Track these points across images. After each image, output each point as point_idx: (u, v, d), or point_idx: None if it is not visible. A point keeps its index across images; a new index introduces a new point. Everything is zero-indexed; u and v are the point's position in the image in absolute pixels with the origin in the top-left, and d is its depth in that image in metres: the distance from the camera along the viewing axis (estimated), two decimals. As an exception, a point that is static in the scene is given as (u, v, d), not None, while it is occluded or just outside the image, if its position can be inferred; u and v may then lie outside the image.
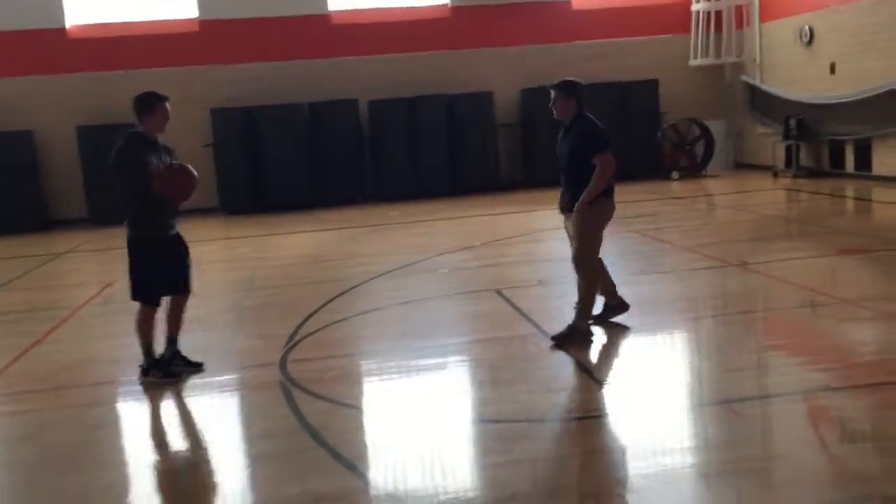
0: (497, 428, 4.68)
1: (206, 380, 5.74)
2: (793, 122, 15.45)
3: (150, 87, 5.94)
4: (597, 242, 6.03)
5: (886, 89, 13.32)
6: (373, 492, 4.00)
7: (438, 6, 17.29)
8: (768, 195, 14.15)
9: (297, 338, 6.59)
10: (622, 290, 6.62)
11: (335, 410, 5.04)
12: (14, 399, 5.71)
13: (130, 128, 5.72)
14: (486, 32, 17.19)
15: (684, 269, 8.53)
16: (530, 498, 3.80)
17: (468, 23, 17.14)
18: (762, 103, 16.93)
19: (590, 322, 6.19)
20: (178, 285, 5.74)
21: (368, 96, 16.51)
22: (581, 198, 5.86)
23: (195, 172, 5.58)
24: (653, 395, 5.01)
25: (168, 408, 5.45)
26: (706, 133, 17.09)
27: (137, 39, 16.19)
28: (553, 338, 6.01)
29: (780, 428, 4.62)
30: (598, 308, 6.30)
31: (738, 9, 17.21)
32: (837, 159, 15.02)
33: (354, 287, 8.42)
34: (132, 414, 5.47)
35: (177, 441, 5.03)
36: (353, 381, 5.78)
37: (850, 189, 13.80)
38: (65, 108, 15.91)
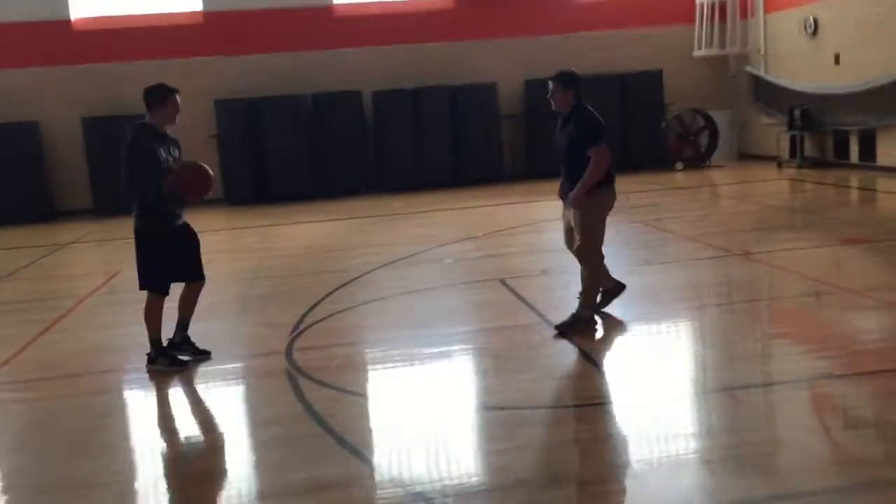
0: (501, 415, 4.72)
1: (213, 368, 5.79)
2: (797, 112, 15.43)
3: (154, 79, 5.98)
4: (600, 232, 6.05)
5: (891, 80, 13.30)
6: (378, 477, 4.04)
7: (442, -3, 17.29)
8: (772, 185, 14.15)
9: (303, 327, 6.63)
10: (627, 280, 6.65)
11: (340, 398, 5.08)
12: (23, 387, 5.76)
13: (136, 119, 5.75)
14: (490, 23, 17.18)
15: (688, 258, 8.55)
16: (534, 484, 3.84)
17: (472, 14, 17.12)
18: (766, 94, 16.91)
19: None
20: (188, 273, 5.77)
21: (372, 88, 16.52)
22: (575, 189, 5.89)
23: (210, 172, 5.63)
24: (656, 383, 5.05)
25: (175, 395, 5.49)
26: (710, 124, 17.08)
27: (142, 31, 16.21)
28: (557, 327, 6.05)
29: (783, 415, 4.65)
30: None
31: (743, -1, 17.19)
32: (842, 150, 15.01)
33: (358, 277, 8.46)
34: (139, 401, 5.52)
35: (184, 428, 5.07)
36: (358, 370, 5.82)
37: (854, 179, 13.81)
38: (70, 99, 15.96)
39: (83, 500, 3.98)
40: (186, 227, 5.79)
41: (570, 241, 6.25)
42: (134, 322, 6.30)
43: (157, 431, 4.98)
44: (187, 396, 5.51)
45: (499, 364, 5.61)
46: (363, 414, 5.00)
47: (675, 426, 4.39)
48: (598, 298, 6.37)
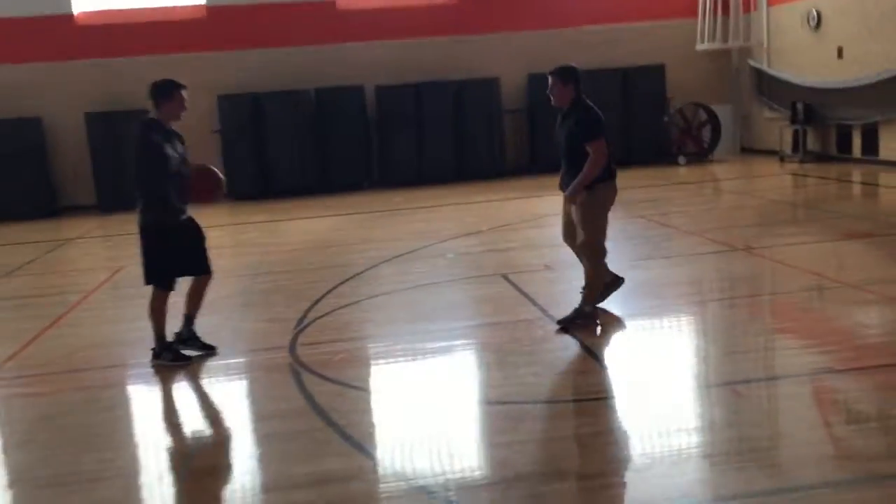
0: (503, 409, 4.75)
1: (217, 362, 5.82)
2: (800, 106, 15.42)
3: (157, 74, 5.99)
4: (602, 227, 6.06)
5: (894, 74, 13.28)
6: (381, 471, 4.07)
7: (444, -9, 17.28)
8: (775, 180, 14.15)
9: (306, 322, 6.67)
10: (628, 275, 6.68)
11: (344, 392, 5.11)
12: (29, 381, 5.80)
13: (139, 114, 5.77)
14: (493, 18, 17.16)
15: (690, 253, 8.57)
16: (536, 477, 3.87)
17: (474, 8, 17.11)
18: (769, 88, 16.89)
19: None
20: (194, 267, 5.80)
21: (374, 82, 16.53)
22: (573, 185, 5.91)
23: (220, 176, 5.66)
24: (657, 378, 5.07)
25: (179, 390, 5.53)
26: (713, 118, 17.07)
27: (145, 26, 16.22)
28: (559, 321, 6.07)
29: (784, 409, 4.67)
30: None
31: (746, -7, 17.16)
32: (844, 144, 15.00)
33: (361, 272, 8.49)
34: (144, 396, 5.55)
35: (188, 422, 5.11)
36: (361, 364, 5.85)
37: (857, 174, 13.80)
38: (73, 94, 15.98)
39: (89, 494, 4.02)
40: (191, 221, 5.82)
41: (567, 235, 6.27)
42: (138, 317, 6.33)
43: (161, 426, 5.02)
44: (191, 391, 5.55)
45: (501, 358, 5.64)
46: (366, 408, 5.03)
47: (676, 421, 4.41)
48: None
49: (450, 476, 3.92)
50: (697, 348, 5.83)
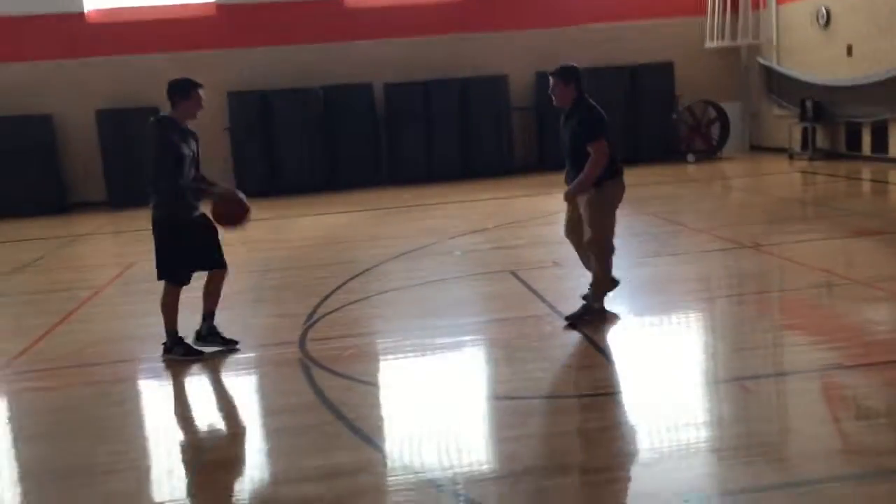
0: (511, 404, 4.78)
1: (228, 357, 5.86)
2: (809, 104, 15.38)
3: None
4: (610, 225, 6.06)
5: (904, 71, 13.25)
6: (390, 464, 4.10)
7: (453, -11, 17.29)
8: (784, 178, 14.12)
9: (316, 317, 6.71)
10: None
11: (353, 387, 5.15)
12: (41, 375, 5.85)
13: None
14: (501, 16, 17.17)
15: (698, 250, 8.57)
16: (543, 471, 3.90)
17: (483, 6, 17.11)
18: (778, 85, 16.85)
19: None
20: (208, 262, 5.82)
21: (383, 80, 16.56)
22: (573, 185, 5.93)
23: (245, 204, 5.73)
24: (665, 373, 5.09)
25: (190, 384, 5.58)
26: (722, 115, 17.03)
27: (155, 24, 16.29)
28: (567, 317, 6.09)
29: (792, 405, 4.69)
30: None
31: (755, -10, 17.12)
32: (854, 142, 14.95)
33: (370, 269, 8.52)
34: (155, 390, 5.60)
35: (199, 416, 5.15)
36: (370, 359, 5.89)
37: (866, 171, 13.76)
38: (84, 92, 16.07)
39: (102, 486, 4.06)
40: (204, 217, 5.85)
41: (570, 231, 6.28)
42: (149, 312, 6.39)
43: (172, 420, 5.06)
44: (202, 386, 5.59)
45: (509, 354, 5.66)
46: (375, 403, 5.06)
47: (683, 416, 4.43)
48: (587, 292, 6.39)
49: (458, 469, 3.95)
50: (705, 344, 5.84)
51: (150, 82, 15.60)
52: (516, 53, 17.10)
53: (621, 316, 6.26)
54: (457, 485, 3.79)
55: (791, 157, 15.82)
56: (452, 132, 16.61)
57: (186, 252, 5.71)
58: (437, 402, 4.87)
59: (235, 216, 5.75)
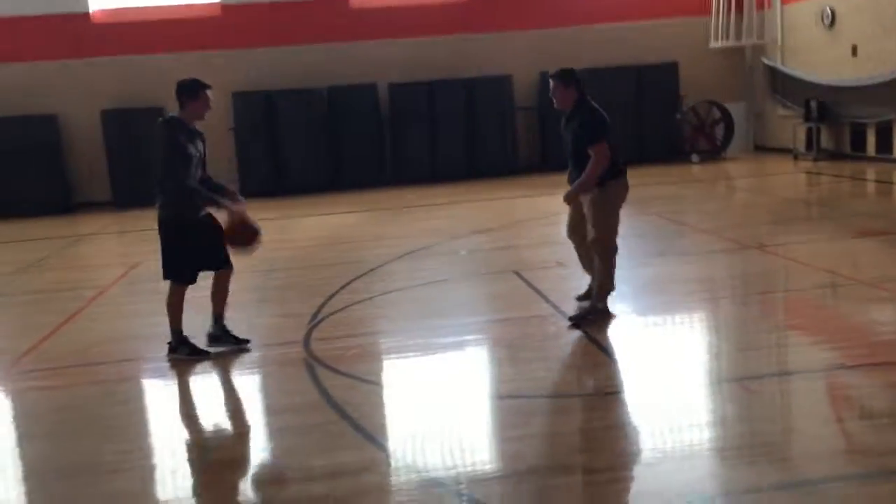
0: (514, 403, 4.79)
1: (232, 356, 5.88)
2: (814, 104, 15.36)
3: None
4: (613, 225, 6.07)
5: (909, 71, 13.23)
6: (393, 464, 4.12)
7: (457, -11, 17.31)
8: (788, 178, 14.11)
9: (320, 317, 6.73)
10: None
11: (357, 386, 5.16)
12: (46, 374, 5.88)
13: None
14: (505, 16, 17.18)
15: (702, 251, 8.57)
16: (547, 471, 3.91)
17: (487, 6, 17.13)
18: (783, 85, 16.83)
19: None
20: (213, 262, 5.84)
21: (387, 80, 16.58)
22: (572, 187, 5.95)
23: (258, 232, 5.79)
24: (668, 373, 5.10)
25: (195, 383, 5.60)
26: (726, 116, 17.02)
27: (160, 24, 16.33)
28: (571, 318, 6.10)
29: (795, 405, 4.69)
30: (565, 291, 6.40)
31: (760, -10, 17.10)
32: (859, 142, 14.93)
33: (374, 268, 8.54)
34: (160, 389, 5.62)
35: (204, 415, 5.17)
36: (374, 359, 5.90)
37: (871, 172, 13.73)
38: (89, 92, 16.11)
39: (107, 485, 4.08)
40: (210, 217, 5.87)
41: (573, 232, 6.29)
42: (154, 312, 6.41)
43: (178, 419, 5.08)
44: (207, 385, 5.61)
45: (513, 354, 5.68)
46: (379, 402, 5.08)
47: (687, 416, 4.44)
48: (584, 291, 6.41)
49: (461, 469, 3.96)
50: (709, 344, 5.84)
51: (155, 82, 15.68)
52: (520, 54, 17.11)
53: (625, 316, 6.28)
54: (460, 484, 3.80)
55: (795, 157, 15.81)
56: (456, 132, 16.63)
57: (192, 252, 5.73)
58: (440, 401, 4.88)
59: (246, 238, 5.76)
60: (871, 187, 13.06)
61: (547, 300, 6.82)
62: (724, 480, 3.76)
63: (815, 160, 15.24)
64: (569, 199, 6.04)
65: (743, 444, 4.05)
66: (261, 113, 16.13)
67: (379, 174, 16.73)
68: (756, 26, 17.11)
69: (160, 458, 4.48)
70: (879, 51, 13.96)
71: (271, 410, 5.08)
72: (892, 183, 12.81)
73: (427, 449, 4.21)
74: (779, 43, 16.96)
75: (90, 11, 16.30)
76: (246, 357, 5.88)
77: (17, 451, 4.73)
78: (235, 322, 6.56)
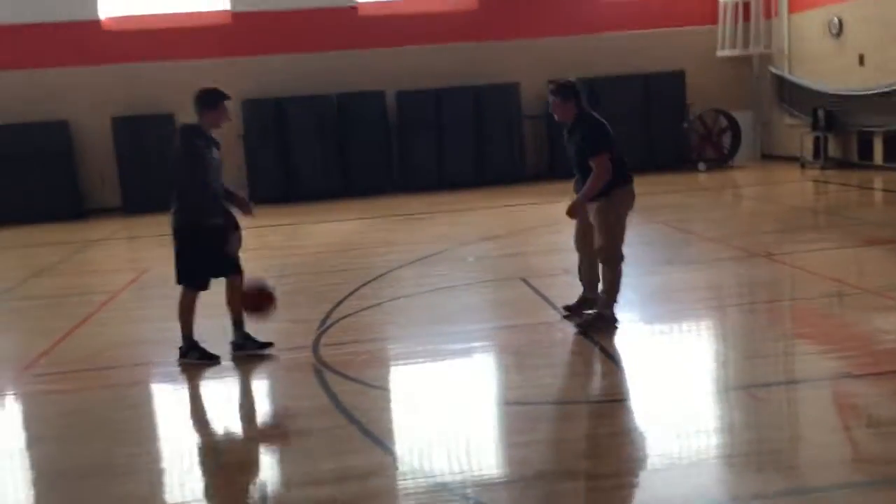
0: (521, 409, 4.82)
1: (242, 361, 5.92)
2: (821, 113, 15.37)
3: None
4: (620, 232, 6.10)
5: (917, 81, 13.23)
6: (402, 468, 4.15)
7: (466, -2, 17.39)
8: (795, 186, 14.12)
9: (329, 322, 6.77)
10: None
11: (365, 392, 5.20)
12: (57, 378, 5.93)
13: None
14: (513, 24, 17.24)
15: (709, 259, 8.60)
16: (553, 476, 3.93)
17: (495, 14, 17.20)
18: (790, 94, 16.85)
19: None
20: (226, 267, 5.87)
21: (395, 88, 16.65)
22: (575, 199, 5.99)
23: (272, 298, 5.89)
24: (675, 380, 5.12)
25: (206, 388, 5.65)
26: (733, 124, 17.04)
27: (171, 31, 16.44)
28: (578, 325, 6.13)
29: (802, 413, 4.71)
30: (572, 298, 6.43)
31: (767, -1, 17.14)
32: (866, 151, 14.92)
33: (382, 275, 8.59)
34: (171, 393, 5.67)
35: (214, 419, 5.22)
36: (382, 364, 5.94)
37: (878, 180, 13.73)
38: (99, 99, 16.21)
39: (119, 488, 4.13)
40: (223, 225, 5.90)
41: (580, 240, 6.32)
42: (164, 317, 6.47)
43: (187, 423, 5.13)
44: (217, 389, 5.66)
45: (520, 360, 5.71)
46: (387, 407, 5.12)
47: (693, 423, 4.46)
48: (575, 301, 6.43)
49: (468, 474, 4.00)
50: (716, 352, 5.87)
51: (165, 90, 15.78)
52: (528, 62, 17.15)
53: (632, 324, 6.30)
54: (467, 489, 3.83)
55: (803, 165, 15.81)
56: (464, 140, 16.68)
57: (205, 258, 5.77)
58: (447, 407, 4.92)
59: (262, 305, 5.87)
60: (878, 196, 13.05)
61: (554, 307, 6.84)
62: (730, 487, 3.79)
63: (823, 169, 15.24)
64: (572, 211, 6.06)
65: (750, 451, 4.07)
66: (270, 120, 16.21)
67: (387, 181, 16.79)
68: (763, 35, 17.14)
69: (170, 461, 4.53)
70: (887, 60, 13.98)
71: (280, 414, 5.13)
72: (899, 192, 12.80)
73: (434, 454, 4.24)
74: (786, 52, 16.98)
75: (101, 19, 16.43)
76: (255, 362, 5.92)
77: (27, 454, 4.77)
78: (246, 327, 6.62)
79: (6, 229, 14.52)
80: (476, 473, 4.01)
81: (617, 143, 6.08)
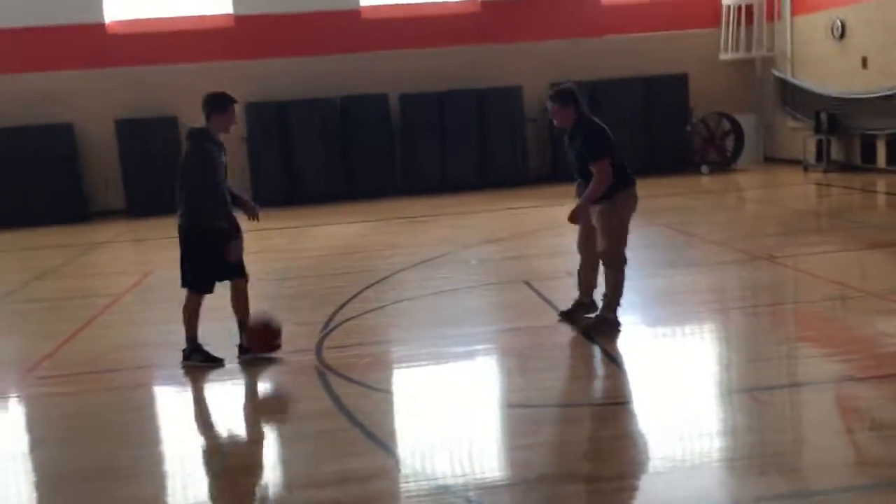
0: (524, 412, 4.83)
1: (246, 364, 5.94)
2: (824, 116, 15.37)
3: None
4: (623, 235, 6.10)
5: (920, 84, 13.22)
6: (404, 470, 4.16)
7: (468, 1, 17.40)
8: (798, 189, 14.11)
9: (332, 326, 6.79)
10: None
11: (369, 394, 5.22)
12: (61, 381, 5.95)
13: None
14: (516, 27, 17.27)
15: (712, 262, 8.60)
16: (556, 479, 3.94)
17: (498, 18, 17.23)
18: (793, 97, 16.85)
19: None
20: (230, 270, 5.88)
21: (398, 91, 16.68)
22: (577, 205, 6.01)
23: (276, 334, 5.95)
24: (678, 383, 5.13)
25: (209, 390, 5.66)
26: (736, 127, 17.04)
27: (174, 35, 16.49)
28: (581, 327, 6.14)
29: (805, 416, 4.71)
30: (567, 304, 6.45)
31: (769, 3, 17.12)
32: (869, 154, 14.91)
33: (386, 278, 8.60)
34: (174, 396, 5.68)
35: (217, 422, 5.23)
36: (385, 367, 5.96)
37: (881, 183, 13.71)
38: (104, 101, 16.26)
39: (122, 490, 4.14)
40: (227, 229, 5.92)
41: (582, 243, 6.33)
42: (168, 320, 6.49)
43: (191, 425, 5.15)
44: (220, 392, 5.67)
45: (523, 363, 5.72)
46: (390, 410, 5.13)
47: (696, 426, 4.47)
48: (570, 306, 6.44)
49: (471, 476, 4.00)
50: (719, 355, 5.87)
51: (168, 92, 15.84)
52: (530, 65, 17.17)
53: (635, 326, 6.31)
54: (469, 492, 3.84)
55: (806, 169, 15.80)
56: (467, 143, 16.70)
57: (210, 261, 5.79)
58: (451, 409, 4.93)
59: (268, 343, 5.91)
60: (881, 199, 13.04)
61: (557, 310, 6.85)
62: (733, 490, 3.79)
63: (825, 172, 15.24)
64: (574, 217, 6.06)
65: (753, 454, 4.08)
66: (273, 123, 16.25)
67: (390, 184, 16.82)
68: (766, 38, 17.15)
69: (173, 463, 4.54)
70: (890, 63, 13.98)
71: (283, 417, 5.15)
72: (902, 195, 12.80)
73: (437, 456, 4.25)
74: (789, 55, 16.99)
75: (106, 22, 16.48)
76: (259, 365, 5.93)
77: (31, 457, 4.78)
78: (248, 330, 6.64)
79: (10, 232, 14.57)
80: (478, 476, 4.02)
81: (618, 147, 6.10)
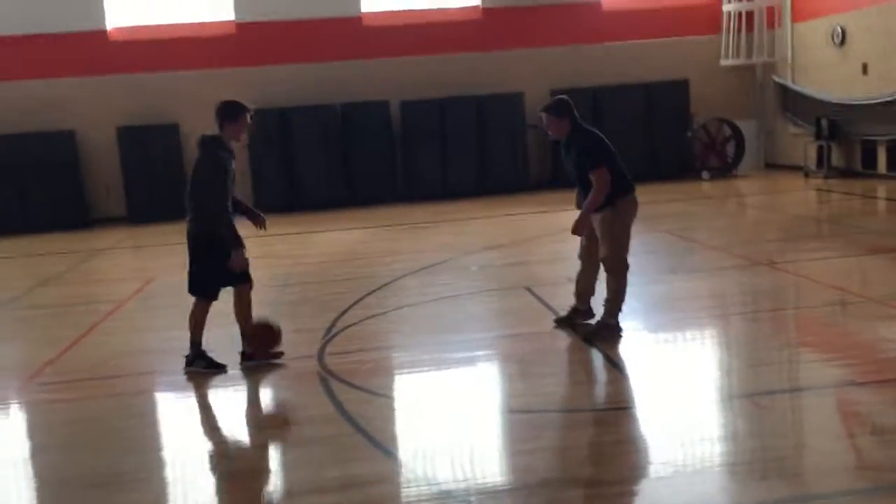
0: (526, 417, 4.84)
1: (248, 370, 5.95)
2: (824, 122, 15.40)
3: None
4: (624, 242, 6.12)
5: (920, 90, 13.25)
6: (406, 475, 4.18)
7: (469, 8, 17.45)
8: (799, 195, 14.13)
9: (334, 332, 6.80)
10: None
11: (371, 400, 5.23)
12: (63, 387, 5.96)
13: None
14: (517, 34, 17.31)
15: (713, 267, 8.61)
16: (558, 484, 3.96)
17: (499, 24, 17.28)
18: (794, 103, 16.88)
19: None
20: (236, 276, 5.87)
21: (399, 97, 16.72)
22: (579, 215, 6.02)
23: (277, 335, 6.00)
24: (679, 389, 5.14)
25: (212, 396, 5.67)
26: (737, 133, 17.07)
27: (176, 42, 16.54)
28: (583, 333, 6.15)
29: (806, 421, 4.73)
30: (563, 310, 6.46)
31: (770, 9, 17.16)
32: (869, 160, 14.93)
33: (387, 284, 8.61)
34: (177, 402, 5.69)
35: (220, 428, 5.24)
36: (387, 373, 5.97)
37: (882, 189, 13.73)
38: (105, 108, 16.30)
39: (125, 497, 4.15)
40: (229, 237, 5.92)
41: (584, 252, 6.34)
42: (170, 326, 6.51)
43: (193, 431, 5.15)
44: (223, 398, 5.69)
45: (524, 369, 5.73)
46: (392, 415, 5.14)
47: (698, 431, 4.48)
48: (566, 312, 6.45)
49: (473, 481, 4.02)
50: (720, 360, 5.88)
51: (170, 100, 15.88)
52: (531, 71, 17.21)
53: (636, 332, 6.32)
54: (471, 497, 3.85)
55: (806, 174, 15.82)
56: (467, 149, 16.73)
57: (218, 267, 5.79)
58: (452, 415, 4.94)
59: (269, 346, 5.96)
60: (881, 205, 13.05)
61: (558, 316, 6.86)
62: (734, 495, 3.80)
63: (826, 178, 15.25)
64: (577, 228, 6.06)
65: (754, 459, 4.09)
66: (275, 129, 16.28)
67: (391, 190, 16.84)
68: (767, 44, 17.19)
69: (175, 470, 4.55)
70: (890, 69, 14.01)
71: (286, 423, 5.16)
72: (903, 200, 12.81)
73: (439, 462, 4.26)
74: (789, 61, 17.02)
75: (107, 29, 16.54)
76: (261, 371, 5.94)
77: (33, 463, 4.79)
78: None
79: (12, 238, 14.60)
80: (480, 481, 4.03)
81: (619, 153, 6.12)
